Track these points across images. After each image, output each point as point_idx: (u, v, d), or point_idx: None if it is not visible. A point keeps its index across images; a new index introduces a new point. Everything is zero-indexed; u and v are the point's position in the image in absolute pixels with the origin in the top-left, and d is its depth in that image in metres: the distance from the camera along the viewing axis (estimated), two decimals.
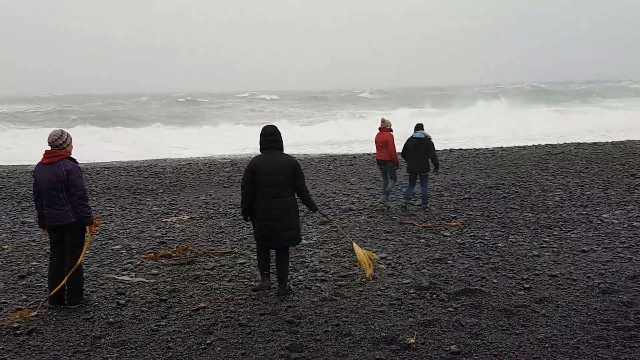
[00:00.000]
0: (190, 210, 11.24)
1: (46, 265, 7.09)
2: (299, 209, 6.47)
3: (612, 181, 12.97)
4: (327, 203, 11.46)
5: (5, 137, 30.49)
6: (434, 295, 6.08)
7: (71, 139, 6.01)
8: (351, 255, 7.71)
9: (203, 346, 4.99)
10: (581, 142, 22.03)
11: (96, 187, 14.15)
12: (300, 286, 6.52)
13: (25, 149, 24.87)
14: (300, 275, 6.93)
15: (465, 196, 11.72)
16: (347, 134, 29.58)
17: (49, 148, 5.87)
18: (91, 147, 23.54)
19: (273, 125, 6.35)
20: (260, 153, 6.29)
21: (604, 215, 9.66)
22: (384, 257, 7.54)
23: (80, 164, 6.12)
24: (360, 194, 12.41)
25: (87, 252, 6.46)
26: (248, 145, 25.11)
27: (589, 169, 14.73)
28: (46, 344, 5.08)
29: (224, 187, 14.06)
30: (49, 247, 6.21)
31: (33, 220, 10.29)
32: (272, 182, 6.04)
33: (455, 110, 43.38)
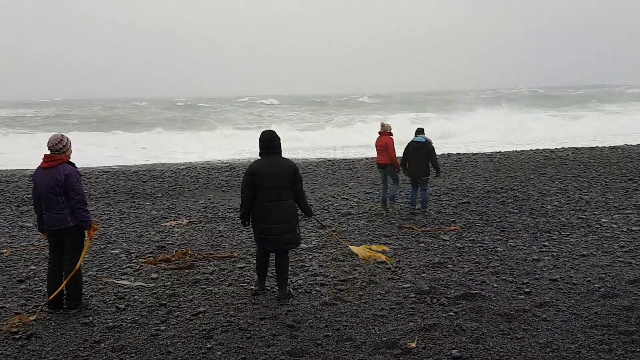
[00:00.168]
0: (189, 214, 11.22)
1: (45, 269, 7.06)
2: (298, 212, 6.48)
3: (610, 185, 13.00)
4: (326, 207, 11.45)
5: (3, 141, 30.44)
6: (435, 300, 6.07)
7: (71, 143, 6.01)
8: (351, 259, 7.71)
9: (203, 351, 4.97)
10: (579, 146, 22.08)
11: (95, 191, 14.13)
12: (300, 290, 6.50)
13: (24, 153, 24.86)
14: (300, 279, 6.92)
15: (464, 200, 11.73)
16: (346, 139, 29.60)
17: (48, 152, 5.86)
18: (90, 152, 23.54)
19: (271, 130, 6.40)
20: (259, 157, 6.32)
21: (603, 220, 9.67)
22: (383, 262, 7.52)
23: (79, 168, 6.10)
24: (359, 198, 12.40)
25: (85, 256, 6.44)
26: (246, 149, 25.14)
27: (587, 174, 14.75)
28: (45, 348, 5.06)
29: (223, 191, 14.05)
30: (48, 251, 6.19)
31: (32, 225, 10.27)
32: (271, 186, 6.08)
33: (454, 114, 43.51)
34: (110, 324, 5.59)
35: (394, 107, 59.94)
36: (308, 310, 5.86)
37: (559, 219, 9.87)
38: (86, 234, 5.94)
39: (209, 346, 5.05)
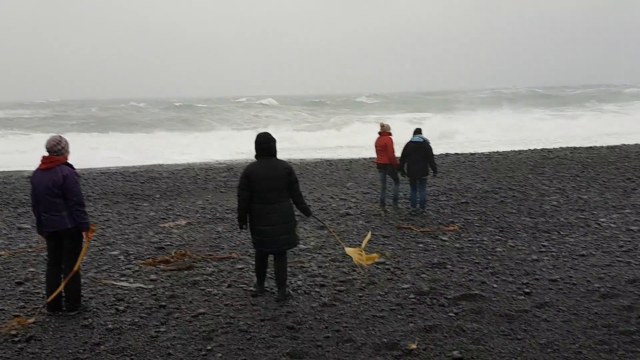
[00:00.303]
0: (187, 215, 11.20)
1: (43, 271, 7.03)
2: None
3: (608, 185, 13.01)
4: (324, 208, 11.44)
5: (1, 142, 30.35)
6: (434, 301, 6.07)
7: (69, 145, 5.99)
8: (350, 260, 7.69)
9: (203, 352, 4.96)
10: (577, 146, 22.11)
11: (93, 192, 14.09)
12: (299, 291, 6.49)
13: (22, 154, 24.79)
14: (299, 280, 6.90)
15: (463, 200, 11.73)
16: (344, 139, 29.59)
17: (46, 154, 5.84)
18: (88, 153, 23.48)
19: (266, 133, 6.41)
20: (255, 160, 6.35)
21: (602, 219, 9.68)
22: (383, 262, 7.52)
23: (77, 169, 6.08)
24: (357, 199, 12.40)
25: (84, 258, 6.42)
26: (244, 150, 25.10)
27: (585, 173, 14.77)
28: (45, 351, 5.03)
29: (221, 192, 14.03)
30: (46, 253, 6.17)
31: (30, 226, 10.23)
32: (267, 188, 6.11)
33: (452, 114, 43.54)
34: (109, 325, 5.57)
35: (392, 107, 60.00)
36: (308, 312, 5.85)
37: (557, 218, 9.88)
38: (84, 235, 5.91)
39: (209, 348, 5.04)
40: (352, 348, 4.98)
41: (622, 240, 8.33)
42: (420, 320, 5.55)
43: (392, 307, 5.93)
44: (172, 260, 7.83)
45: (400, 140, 11.37)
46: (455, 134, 29.54)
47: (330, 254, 8.04)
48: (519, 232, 9.05)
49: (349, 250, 6.80)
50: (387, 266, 7.37)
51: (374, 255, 6.90)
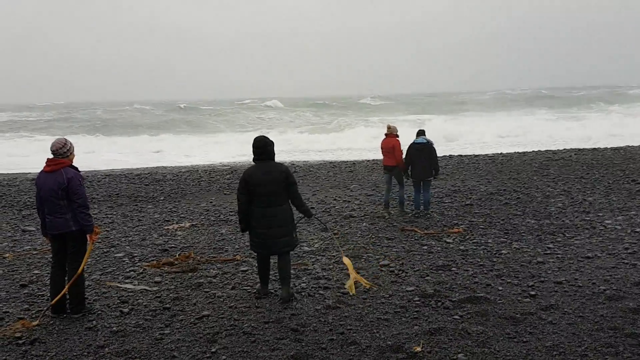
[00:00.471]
0: (191, 217, 11.20)
1: (48, 273, 7.05)
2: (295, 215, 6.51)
3: (613, 187, 12.96)
4: (328, 210, 11.43)
5: (6, 144, 30.47)
6: (439, 303, 6.04)
7: (74, 147, 6.00)
8: (354, 262, 7.67)
9: (208, 355, 4.95)
10: (581, 147, 22.05)
11: (97, 194, 14.12)
12: (303, 294, 6.48)
13: (27, 157, 24.87)
14: (303, 282, 6.89)
15: (467, 202, 11.70)
16: (347, 141, 29.58)
17: (51, 156, 5.85)
18: (92, 155, 23.55)
19: (263, 136, 6.43)
20: (253, 163, 6.37)
21: (607, 221, 9.64)
22: (387, 265, 7.51)
23: (81, 171, 6.09)
24: (361, 201, 12.38)
25: (88, 260, 6.42)
26: (248, 152, 25.09)
27: (590, 175, 14.71)
28: (49, 353, 5.03)
29: (225, 194, 14.04)
30: (51, 255, 6.17)
31: (34, 229, 10.26)
32: (265, 191, 6.14)
33: (457, 116, 43.48)
34: (114, 328, 5.57)
35: (397, 108, 59.99)
36: (312, 314, 5.84)
37: (563, 220, 9.84)
38: (88, 238, 5.92)
39: (213, 350, 5.03)
40: (356, 351, 4.96)
41: (627, 242, 8.28)
42: (425, 322, 5.53)
43: (396, 309, 5.91)
44: (176, 262, 7.84)
45: (403, 142, 11.34)
46: (459, 136, 29.50)
47: (334, 256, 8.03)
48: (524, 234, 9.01)
49: (346, 259, 6.76)
50: (391, 268, 7.35)
51: (367, 283, 6.64)
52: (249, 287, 6.75)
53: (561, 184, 13.62)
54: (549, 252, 7.95)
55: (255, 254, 6.63)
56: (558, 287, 6.47)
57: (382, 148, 11.05)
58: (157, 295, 6.55)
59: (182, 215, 11.39)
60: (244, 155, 24.66)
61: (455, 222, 10.01)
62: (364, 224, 10.12)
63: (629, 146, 21.73)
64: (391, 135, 10.92)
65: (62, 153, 5.83)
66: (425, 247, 8.38)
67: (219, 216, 11.20)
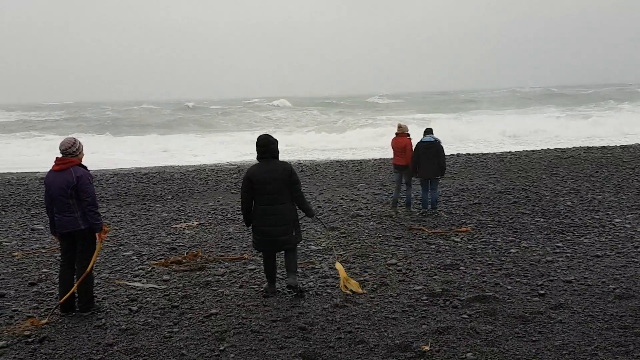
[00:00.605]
0: (199, 216, 11.23)
1: (57, 272, 7.09)
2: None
3: (622, 185, 12.86)
4: (335, 209, 11.42)
5: (15, 143, 30.69)
6: (447, 302, 6.02)
7: (83, 146, 6.03)
8: (361, 261, 7.68)
9: (216, 353, 4.96)
10: (590, 145, 21.91)
11: (106, 193, 14.19)
12: (311, 292, 6.47)
13: (35, 156, 25.05)
14: (311, 281, 6.89)
15: (475, 201, 11.65)
16: (355, 140, 29.55)
17: (60, 155, 5.88)
18: (100, 154, 23.67)
19: (266, 135, 6.45)
20: (257, 162, 6.41)
21: (616, 220, 9.57)
22: (394, 264, 7.49)
23: (90, 170, 6.11)
24: (368, 200, 12.35)
25: (97, 258, 6.45)
26: (255, 151, 25.11)
27: (599, 173, 14.62)
28: (58, 352, 5.06)
29: (232, 193, 14.05)
30: (60, 254, 6.20)
31: (43, 227, 10.32)
32: (268, 190, 6.17)
33: (466, 114, 43.35)
34: (123, 326, 5.59)
35: (406, 107, 59.89)
36: (319, 313, 5.83)
37: (572, 219, 9.78)
38: (97, 236, 5.94)
39: (221, 348, 5.04)
40: (364, 349, 4.95)
41: (637, 241, 8.22)
42: (433, 321, 5.51)
43: (404, 308, 5.89)
44: (184, 260, 7.86)
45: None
46: (467, 134, 29.39)
47: (341, 255, 8.01)
48: (532, 233, 8.96)
49: (338, 265, 6.75)
50: (398, 267, 7.33)
51: (355, 284, 6.61)
52: (256, 286, 6.76)
53: (570, 182, 13.54)
54: (558, 250, 7.90)
55: (261, 252, 6.66)
56: (567, 286, 6.43)
57: (393, 147, 10.97)
58: (165, 293, 6.57)
59: (190, 214, 11.42)
60: (251, 154, 24.69)
61: (464, 221, 9.97)
62: (371, 223, 10.10)
63: (638, 144, 21.58)
64: (402, 134, 10.85)
65: (71, 152, 5.85)
66: (433, 246, 8.35)
67: (226, 215, 11.22)
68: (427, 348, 4.88)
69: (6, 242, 9.41)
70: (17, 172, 19.38)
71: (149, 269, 7.57)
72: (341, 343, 5.09)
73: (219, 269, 7.53)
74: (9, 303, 6.37)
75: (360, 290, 6.43)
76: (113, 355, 4.96)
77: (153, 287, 6.79)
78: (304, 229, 9.55)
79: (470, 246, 8.29)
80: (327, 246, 8.53)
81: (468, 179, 14.72)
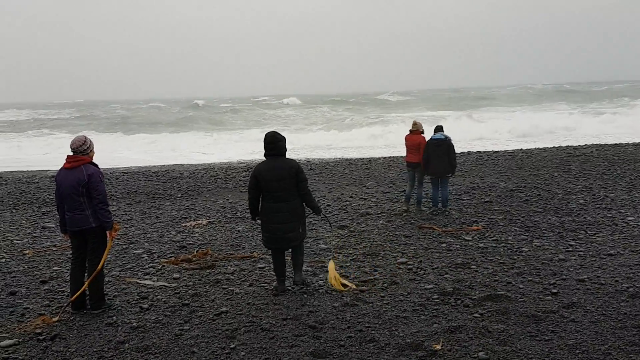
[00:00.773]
0: (208, 214, 11.25)
1: (68, 270, 7.12)
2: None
3: (635, 183, 12.72)
4: (344, 207, 11.38)
5: (26, 142, 30.92)
6: (459, 301, 5.97)
7: (93, 145, 6.04)
8: (371, 260, 7.65)
9: (227, 351, 4.95)
10: (602, 143, 21.70)
11: (116, 192, 14.24)
12: (321, 291, 6.45)
13: (45, 154, 25.22)
14: (321, 280, 6.86)
15: (486, 199, 11.56)
16: (364, 137, 29.48)
17: (71, 153, 5.89)
18: (110, 153, 23.79)
19: (273, 132, 6.45)
20: (264, 159, 6.41)
21: (629, 218, 9.46)
22: (405, 262, 7.45)
23: (100, 168, 6.13)
24: (377, 198, 12.30)
25: (108, 256, 6.47)
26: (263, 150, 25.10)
27: (612, 171, 14.47)
28: (70, 349, 5.07)
29: (241, 191, 14.06)
30: (71, 252, 6.23)
31: (54, 225, 10.37)
32: (275, 187, 6.18)
33: (477, 111, 43.13)
34: (134, 324, 5.60)
35: (416, 104, 59.72)
36: (330, 311, 5.81)
37: (584, 217, 9.68)
38: (108, 234, 5.95)
39: (232, 346, 5.03)
40: (375, 348, 4.92)
41: None
42: (445, 320, 5.47)
43: (415, 307, 5.85)
44: (194, 259, 7.87)
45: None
46: (480, 132, 29.23)
47: (351, 253, 7.99)
48: (545, 231, 8.88)
49: (331, 264, 6.72)
50: (409, 266, 7.29)
51: (345, 283, 6.59)
52: (266, 284, 6.75)
53: (582, 180, 13.41)
54: (570, 249, 7.82)
55: (270, 250, 6.66)
56: (580, 284, 6.36)
57: (406, 144, 10.87)
58: (176, 291, 6.58)
59: (199, 213, 11.44)
60: (260, 152, 24.73)
61: (475, 219, 9.90)
62: (381, 221, 10.05)
63: None
64: (416, 131, 10.75)
65: (82, 150, 5.87)
66: (444, 245, 8.29)
67: (236, 213, 11.22)
68: (438, 347, 4.85)
69: (17, 240, 9.48)
70: (27, 171, 19.52)
71: (160, 267, 7.58)
72: (352, 342, 5.06)
73: (229, 267, 7.53)
74: (20, 301, 6.41)
75: (342, 289, 6.42)
76: (124, 353, 4.97)
77: (163, 285, 6.80)
78: (313, 228, 9.53)
79: (481, 245, 8.23)
80: (337, 244, 8.50)
81: (479, 177, 14.63)
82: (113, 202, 12.64)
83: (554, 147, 21.00)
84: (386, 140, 27.98)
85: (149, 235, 9.58)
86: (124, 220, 10.82)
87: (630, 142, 21.29)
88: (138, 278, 7.13)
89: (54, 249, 8.81)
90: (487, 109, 49.39)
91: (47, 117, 53.40)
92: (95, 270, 5.87)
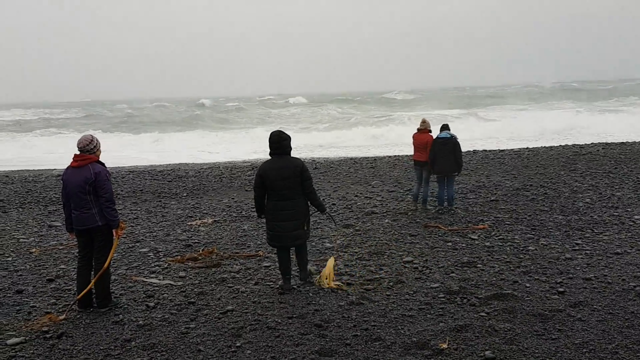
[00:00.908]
0: (213, 213, 11.26)
1: (74, 268, 7.14)
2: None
3: None
4: (350, 206, 11.37)
5: (34, 141, 31.05)
6: (465, 300, 5.96)
7: (100, 144, 6.06)
8: (377, 258, 7.63)
9: (233, 349, 4.96)
10: (609, 141, 21.60)
11: (122, 190, 14.29)
12: (326, 290, 6.45)
13: (51, 154, 25.32)
14: (326, 278, 6.85)
15: (492, 198, 11.53)
16: (369, 136, 29.46)
17: (77, 152, 5.91)
18: (115, 152, 23.86)
19: (278, 131, 6.48)
20: (269, 158, 6.45)
21: (636, 217, 9.41)
22: (410, 261, 7.43)
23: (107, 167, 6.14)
24: (383, 197, 12.29)
25: (114, 255, 6.48)
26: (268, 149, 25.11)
27: (618, 170, 14.40)
28: (76, 347, 5.09)
29: (246, 190, 14.07)
30: (77, 250, 6.25)
31: (60, 224, 10.41)
32: (280, 186, 6.22)
33: (484, 110, 42.99)
34: (140, 322, 5.61)
35: (423, 103, 59.60)
36: (335, 310, 5.80)
37: (591, 216, 9.63)
38: (114, 232, 5.97)
39: (238, 344, 5.03)
40: (381, 347, 4.92)
41: None
42: (451, 319, 5.46)
43: (421, 306, 5.84)
44: (200, 257, 7.88)
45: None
46: (484, 130, 29.16)
47: (356, 252, 7.98)
48: (551, 230, 8.85)
49: (331, 261, 6.73)
50: (415, 265, 7.28)
51: (336, 282, 6.60)
52: (271, 283, 6.75)
53: (589, 178, 13.35)
54: (577, 248, 7.79)
55: (275, 249, 6.68)
56: (587, 283, 6.34)
57: (414, 143, 10.83)
58: (182, 290, 6.60)
59: (205, 211, 11.46)
60: (265, 151, 24.74)
61: (480, 218, 9.87)
62: (386, 220, 10.04)
63: None
64: (425, 130, 10.71)
65: (89, 149, 5.89)
66: (450, 244, 8.27)
67: (241, 212, 11.23)
68: (445, 346, 4.84)
69: (24, 238, 9.52)
70: (33, 170, 19.61)
71: (165, 266, 7.60)
72: (357, 340, 5.06)
73: (234, 265, 7.54)
74: (27, 299, 6.44)
75: (328, 286, 6.44)
76: (131, 351, 4.98)
77: (169, 284, 6.81)
78: (318, 227, 9.53)
79: (487, 244, 8.20)
80: (342, 243, 8.49)
81: (485, 175, 14.59)
82: (119, 201, 12.68)
83: (560, 145, 20.92)
84: (391, 139, 27.95)
85: (154, 233, 9.60)
86: (130, 219, 10.86)
87: (636, 141, 21.21)
88: (144, 276, 7.14)
89: (61, 247, 8.84)
90: (493, 107, 49.23)
91: (53, 117, 53.62)
92: (101, 268, 5.89)
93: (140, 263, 7.79)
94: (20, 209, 12.31)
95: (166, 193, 13.95)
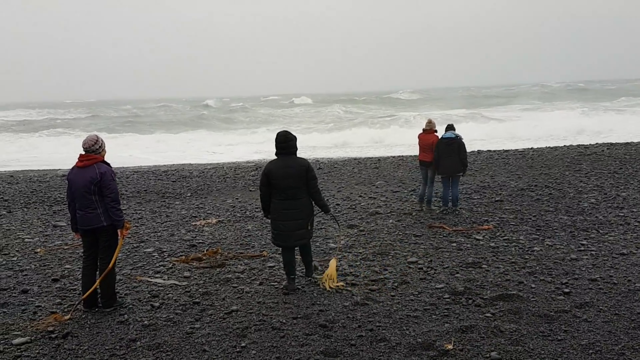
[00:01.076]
0: (217, 213, 11.27)
1: (79, 268, 7.16)
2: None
3: None
4: (354, 207, 11.36)
5: (39, 141, 31.16)
6: (470, 301, 5.94)
7: (105, 144, 6.08)
8: (381, 259, 7.62)
9: (238, 349, 4.96)
10: (614, 142, 21.52)
11: (126, 190, 14.31)
12: (331, 290, 6.44)
13: (56, 154, 25.39)
14: (330, 279, 6.84)
15: (497, 199, 11.50)
16: (374, 137, 29.43)
17: (83, 152, 5.92)
18: (120, 152, 23.92)
19: (285, 131, 6.52)
20: (275, 157, 6.49)
21: None
22: (415, 262, 7.42)
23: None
24: (387, 197, 12.27)
25: (119, 255, 6.49)
26: (273, 149, 25.13)
27: (623, 170, 14.34)
28: (82, 347, 5.10)
29: (250, 190, 14.07)
30: (82, 250, 6.26)
31: (65, 224, 10.44)
32: (285, 185, 6.26)
33: (489, 110, 42.89)
34: (145, 322, 5.62)
35: (428, 103, 59.55)
36: (340, 310, 5.80)
37: (596, 216, 9.60)
38: (119, 232, 5.98)
39: (243, 345, 5.03)
40: (386, 347, 4.91)
41: None
42: (456, 320, 5.44)
43: (426, 307, 5.83)
44: (204, 257, 7.89)
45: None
46: (491, 130, 29.08)
47: (360, 252, 7.97)
48: (556, 230, 8.81)
49: (333, 261, 6.73)
50: (419, 266, 7.26)
51: (338, 282, 6.61)
52: (276, 283, 6.75)
53: (594, 179, 13.30)
54: (582, 248, 7.76)
55: (280, 249, 6.69)
56: (593, 284, 6.31)
57: (420, 143, 10.80)
58: (186, 290, 6.60)
59: (209, 212, 11.47)
60: (269, 152, 24.75)
61: (485, 218, 9.84)
62: (391, 220, 10.02)
63: None
64: (430, 130, 10.68)
65: (94, 149, 5.90)
66: (454, 244, 8.25)
67: (245, 212, 11.24)
68: (450, 347, 4.82)
69: (29, 238, 9.55)
70: (38, 170, 19.67)
71: (170, 266, 7.61)
72: (362, 341, 5.05)
73: (239, 266, 7.54)
74: (32, 299, 6.46)
75: (331, 285, 6.47)
76: (136, 351, 4.99)
77: (174, 284, 6.82)
78: (322, 227, 9.53)
79: (492, 244, 8.18)
80: (346, 243, 8.49)
81: (489, 176, 14.55)
82: (124, 201, 12.70)
83: (564, 145, 20.86)
84: (395, 139, 27.93)
85: (159, 234, 9.62)
86: (134, 219, 10.87)
87: None
88: (149, 276, 7.15)
89: (66, 247, 8.86)
90: (498, 107, 49.14)
91: (58, 117, 53.79)
92: (106, 268, 5.90)
93: (144, 263, 7.81)
94: (25, 209, 12.35)
95: (170, 193, 13.97)
